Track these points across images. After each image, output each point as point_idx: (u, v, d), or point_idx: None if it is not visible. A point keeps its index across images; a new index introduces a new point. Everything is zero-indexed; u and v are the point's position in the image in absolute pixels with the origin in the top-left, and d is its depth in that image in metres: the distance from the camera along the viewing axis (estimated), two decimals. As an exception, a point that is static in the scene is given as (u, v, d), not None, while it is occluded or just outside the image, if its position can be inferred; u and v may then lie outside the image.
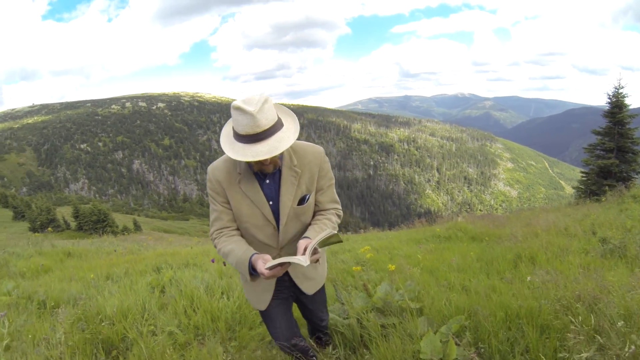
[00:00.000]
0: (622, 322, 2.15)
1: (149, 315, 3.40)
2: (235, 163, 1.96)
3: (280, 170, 1.97)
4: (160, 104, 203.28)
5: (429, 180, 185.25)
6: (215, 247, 2.06)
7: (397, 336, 2.47)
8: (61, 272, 6.27)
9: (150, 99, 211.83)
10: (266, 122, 1.70)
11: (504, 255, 4.88)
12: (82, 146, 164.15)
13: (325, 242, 1.81)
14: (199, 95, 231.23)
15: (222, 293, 3.88)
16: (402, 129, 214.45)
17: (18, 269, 6.40)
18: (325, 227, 2.00)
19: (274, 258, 1.85)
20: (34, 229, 32.39)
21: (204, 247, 9.61)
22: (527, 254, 4.71)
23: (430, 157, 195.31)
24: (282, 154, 1.94)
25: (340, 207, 2.18)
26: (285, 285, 2.24)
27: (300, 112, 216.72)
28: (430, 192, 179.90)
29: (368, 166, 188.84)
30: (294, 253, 1.94)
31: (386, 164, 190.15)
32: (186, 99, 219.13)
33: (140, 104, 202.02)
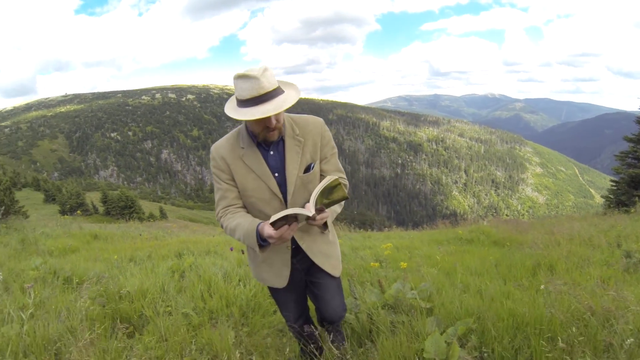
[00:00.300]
0: (632, 339, 2.11)
1: (167, 296, 3.51)
2: (238, 139, 2.01)
3: (284, 141, 1.99)
4: (190, 96, 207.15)
5: (456, 182, 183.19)
6: (221, 226, 2.08)
7: (403, 333, 2.47)
8: (87, 252, 6.49)
9: (179, 90, 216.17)
10: (269, 84, 1.76)
11: (523, 261, 4.82)
12: (112, 135, 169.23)
13: (330, 197, 1.82)
14: (228, 88, 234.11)
15: (239, 280, 3.96)
16: (431, 128, 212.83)
17: (47, 248, 6.63)
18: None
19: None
20: (63, 212, 33.42)
21: (226, 237, 9.76)
22: (546, 262, 4.65)
23: (458, 158, 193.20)
24: (284, 125, 1.98)
25: (345, 176, 2.16)
26: (297, 268, 2.22)
27: (329, 107, 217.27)
28: (456, 193, 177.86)
29: (396, 164, 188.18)
30: (302, 226, 1.98)
31: (414, 163, 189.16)
32: (215, 91, 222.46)
33: (170, 95, 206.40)
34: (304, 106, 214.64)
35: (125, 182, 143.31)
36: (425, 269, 4.60)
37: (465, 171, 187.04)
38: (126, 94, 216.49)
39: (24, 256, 5.89)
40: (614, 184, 15.49)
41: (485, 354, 2.35)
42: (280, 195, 2.01)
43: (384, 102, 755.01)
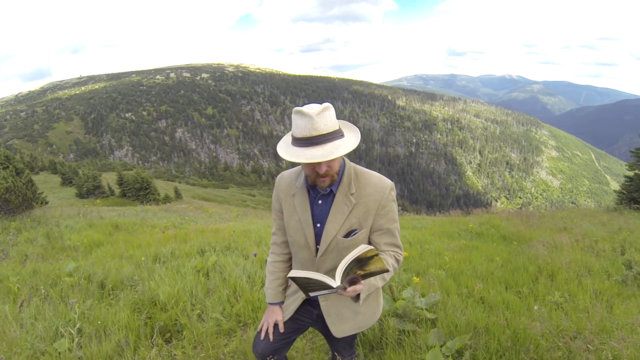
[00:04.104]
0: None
1: (196, 300, 3.80)
2: (297, 176, 1.96)
3: (335, 195, 1.85)
4: (204, 75, 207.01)
5: (471, 162, 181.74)
6: None
7: (408, 345, 2.74)
8: (111, 247, 6.66)
9: (194, 69, 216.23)
10: (324, 127, 1.62)
11: (527, 266, 5.01)
12: (127, 115, 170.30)
13: (365, 269, 1.64)
14: (243, 66, 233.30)
15: (263, 284, 4.14)
16: (446, 108, 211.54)
17: (72, 243, 6.88)
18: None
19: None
20: (80, 195, 34.19)
21: (244, 225, 9.86)
22: (548, 270, 4.83)
23: (473, 138, 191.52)
24: (341, 177, 1.84)
25: (401, 252, 1.96)
26: (308, 310, 2.15)
27: (345, 85, 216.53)
28: (470, 174, 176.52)
29: (410, 143, 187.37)
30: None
31: (428, 143, 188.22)
32: (230, 69, 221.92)
33: (185, 74, 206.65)
34: (319, 84, 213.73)
35: (139, 162, 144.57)
36: (434, 271, 4.83)
37: (480, 152, 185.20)
38: (140, 74, 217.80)
39: (51, 254, 6.12)
40: (627, 179, 15.34)
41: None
42: (314, 248, 1.92)
43: (400, 80, 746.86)
